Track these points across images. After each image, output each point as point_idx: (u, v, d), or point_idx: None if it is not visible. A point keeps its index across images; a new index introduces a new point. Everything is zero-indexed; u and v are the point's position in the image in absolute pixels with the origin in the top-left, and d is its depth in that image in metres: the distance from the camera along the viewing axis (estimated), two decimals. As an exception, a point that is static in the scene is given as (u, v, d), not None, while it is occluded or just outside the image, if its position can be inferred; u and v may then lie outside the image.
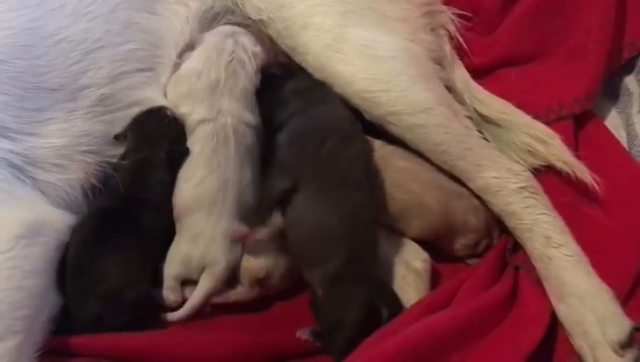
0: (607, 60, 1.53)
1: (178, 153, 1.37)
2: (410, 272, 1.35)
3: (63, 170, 1.33)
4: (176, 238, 1.33)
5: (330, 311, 1.22)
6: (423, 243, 1.41)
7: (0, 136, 1.26)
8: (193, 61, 1.44)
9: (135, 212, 1.32)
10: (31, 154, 1.30)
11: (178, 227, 1.33)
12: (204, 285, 1.29)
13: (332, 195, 1.29)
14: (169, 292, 1.30)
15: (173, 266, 1.31)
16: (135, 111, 1.42)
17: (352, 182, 1.30)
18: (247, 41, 1.47)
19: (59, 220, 1.27)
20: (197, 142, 1.36)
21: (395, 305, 1.25)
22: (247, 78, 1.44)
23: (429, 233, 1.41)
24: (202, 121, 1.37)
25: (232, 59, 1.43)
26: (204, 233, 1.30)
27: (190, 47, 1.48)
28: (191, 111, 1.39)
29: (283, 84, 1.46)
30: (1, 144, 1.26)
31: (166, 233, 1.34)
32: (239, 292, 1.32)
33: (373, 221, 1.31)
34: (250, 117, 1.41)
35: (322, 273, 1.25)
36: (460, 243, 1.42)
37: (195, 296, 1.29)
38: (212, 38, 1.46)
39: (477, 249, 1.42)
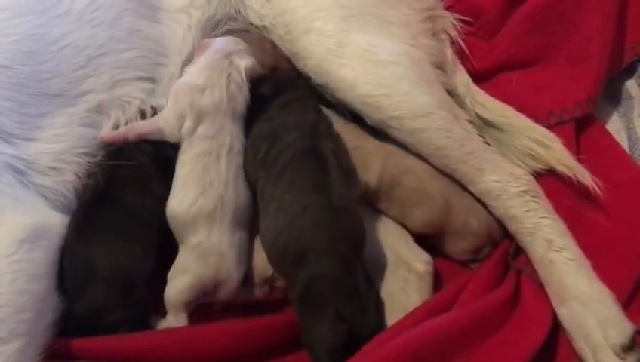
0: (608, 64, 1.54)
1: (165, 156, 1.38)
2: (412, 274, 1.35)
3: (59, 173, 1.34)
4: (179, 260, 1.31)
5: (303, 336, 1.21)
6: (426, 245, 1.41)
7: (4, 141, 1.28)
8: (194, 76, 1.42)
9: (116, 192, 1.32)
10: (32, 159, 1.31)
11: (181, 248, 1.32)
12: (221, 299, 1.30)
13: (277, 205, 1.28)
14: (175, 322, 1.28)
15: (181, 293, 1.28)
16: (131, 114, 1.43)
17: (299, 186, 1.28)
18: (240, 60, 1.45)
19: (60, 223, 1.27)
20: (187, 162, 1.35)
21: (363, 321, 1.21)
22: (243, 100, 1.43)
23: (429, 225, 1.40)
24: (202, 138, 1.37)
25: (230, 82, 1.42)
26: (212, 250, 1.29)
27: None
28: (194, 125, 1.38)
29: (271, 103, 1.45)
30: (4, 149, 1.27)
31: (153, 214, 1.33)
32: (249, 294, 1.33)
33: (346, 222, 1.25)
34: (243, 138, 1.41)
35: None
36: (460, 247, 1.41)
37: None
38: (210, 56, 1.44)
39: (478, 255, 1.42)
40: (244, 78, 1.44)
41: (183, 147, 1.38)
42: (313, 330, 1.19)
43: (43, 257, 1.20)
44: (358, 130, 1.46)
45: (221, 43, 1.46)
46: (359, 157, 1.41)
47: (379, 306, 1.26)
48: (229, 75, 1.42)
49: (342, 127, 1.46)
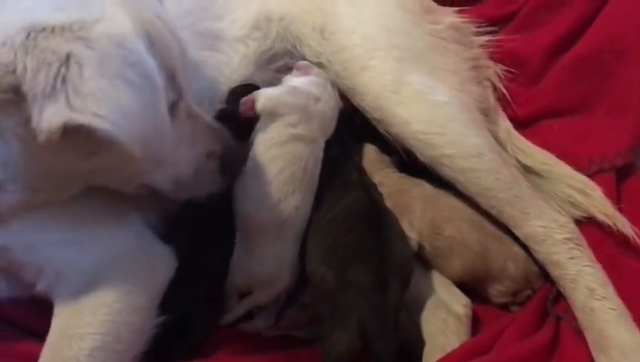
0: (649, 114, 1.55)
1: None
2: (451, 316, 1.36)
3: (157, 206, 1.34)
4: (240, 250, 1.34)
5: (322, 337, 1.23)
6: (465, 288, 1.41)
7: None
8: (312, 85, 1.45)
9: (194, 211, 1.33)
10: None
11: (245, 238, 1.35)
12: (261, 298, 1.34)
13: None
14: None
15: (235, 286, 1.34)
16: None
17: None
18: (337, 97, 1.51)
19: (167, 256, 1.28)
20: (277, 160, 1.36)
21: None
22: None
23: (469, 273, 1.41)
24: (298, 138, 1.38)
25: (334, 105, 1.47)
26: (270, 254, 1.32)
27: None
28: (295, 123, 1.39)
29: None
30: None
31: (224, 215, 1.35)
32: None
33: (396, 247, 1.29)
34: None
35: None
36: (497, 290, 1.42)
37: (247, 304, 1.34)
38: (322, 77, 1.48)
39: (515, 298, 1.42)
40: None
41: (271, 135, 1.38)
42: (332, 333, 1.19)
43: (151, 291, 1.22)
44: (404, 178, 1.49)
45: (322, 72, 1.51)
46: (401, 200, 1.43)
47: (406, 334, 1.24)
48: (336, 101, 1.47)
49: (388, 176, 1.49)
